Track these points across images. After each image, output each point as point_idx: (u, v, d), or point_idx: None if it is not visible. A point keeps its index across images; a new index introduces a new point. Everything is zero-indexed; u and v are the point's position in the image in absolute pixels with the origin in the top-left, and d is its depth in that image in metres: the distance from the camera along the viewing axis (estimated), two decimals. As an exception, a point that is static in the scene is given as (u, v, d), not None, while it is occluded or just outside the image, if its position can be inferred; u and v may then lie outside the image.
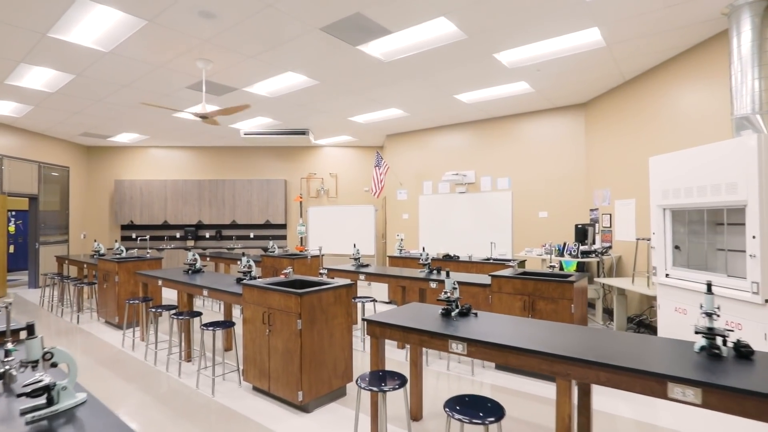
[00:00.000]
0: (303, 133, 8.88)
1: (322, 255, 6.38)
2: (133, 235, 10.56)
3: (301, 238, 10.63)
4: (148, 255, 6.04)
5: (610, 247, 5.84)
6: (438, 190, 8.76)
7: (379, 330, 2.63)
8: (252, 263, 4.16)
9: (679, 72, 4.95)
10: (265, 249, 10.27)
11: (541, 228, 7.37)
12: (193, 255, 4.97)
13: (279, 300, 3.22)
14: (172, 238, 10.68)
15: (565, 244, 5.68)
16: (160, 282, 4.61)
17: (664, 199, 4.10)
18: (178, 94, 6.25)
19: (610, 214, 6.27)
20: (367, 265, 5.61)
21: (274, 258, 6.37)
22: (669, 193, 4.03)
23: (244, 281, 3.64)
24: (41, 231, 9.08)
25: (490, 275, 4.05)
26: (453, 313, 2.73)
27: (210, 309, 6.68)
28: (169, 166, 10.72)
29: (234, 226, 10.76)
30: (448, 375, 3.94)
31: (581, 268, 6.65)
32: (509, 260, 6.12)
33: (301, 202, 10.79)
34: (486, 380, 3.81)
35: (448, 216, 8.52)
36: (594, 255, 5.57)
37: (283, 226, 10.80)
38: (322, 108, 7.17)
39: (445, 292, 2.75)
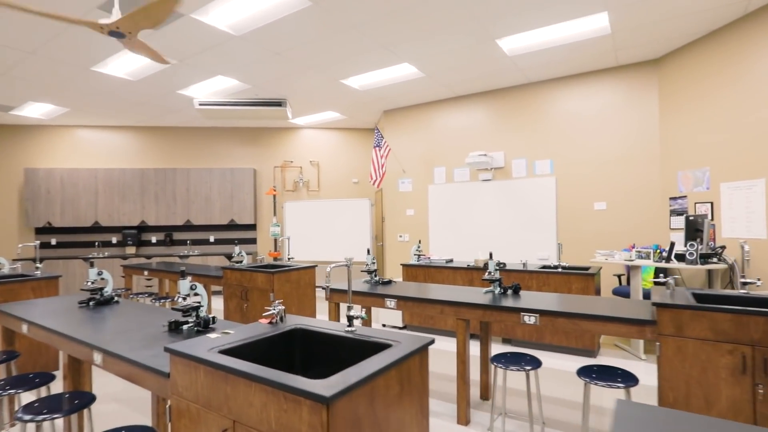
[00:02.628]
0: (279, 104, 6.79)
1: (315, 267, 4.36)
2: (53, 241, 8.09)
3: (276, 241, 8.54)
4: (37, 272, 3.82)
5: (723, 248, 4.15)
6: (454, 179, 6.91)
7: None
8: (200, 291, 2.14)
9: None
10: (230, 257, 8.10)
11: (598, 224, 5.65)
12: (98, 274, 2.85)
13: (265, 405, 1.22)
14: (107, 244, 8.29)
15: (672, 244, 3.94)
16: (24, 327, 2.46)
17: None
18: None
19: (711, 203, 4.60)
20: (388, 282, 3.65)
21: (241, 272, 4.26)
22: None
23: (173, 346, 1.60)
24: None
25: (654, 304, 2.19)
26: None
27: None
28: (100, 151, 8.32)
29: (188, 227, 8.49)
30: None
31: (662, 277, 4.96)
32: (586, 269, 4.33)
33: (274, 197, 8.67)
34: None
35: (468, 211, 6.67)
36: (717, 259, 3.86)
37: (252, 227, 8.64)
38: (308, 61, 5.15)
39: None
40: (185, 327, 2.10)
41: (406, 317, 5.33)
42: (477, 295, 3.01)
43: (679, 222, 5.00)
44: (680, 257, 3.94)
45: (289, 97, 6.72)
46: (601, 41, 4.76)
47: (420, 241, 5.39)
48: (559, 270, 4.22)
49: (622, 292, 4.87)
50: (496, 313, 2.66)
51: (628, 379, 2.13)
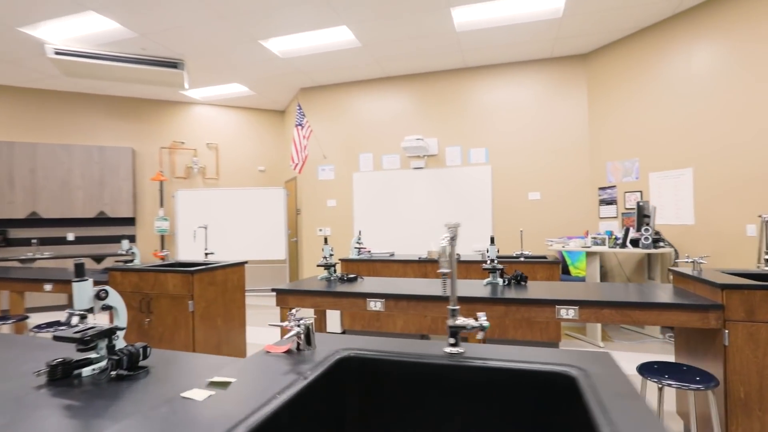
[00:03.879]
0: (174, 65, 5.42)
1: (245, 264, 3.36)
2: None
3: (163, 238, 6.99)
4: None
5: (658, 233, 4.34)
6: (383, 166, 6.36)
7: None
8: (115, 302, 1.17)
9: (782, -9, 3.65)
10: (99, 259, 6.34)
11: (533, 214, 5.65)
12: None
13: None
14: None
15: (627, 230, 3.96)
16: None
17: None
18: None
19: (641, 192, 4.84)
20: (354, 278, 2.90)
21: (141, 274, 3.03)
22: None
23: None
24: None
25: (722, 285, 1.89)
26: None
27: None
28: None
29: (35, 221, 6.40)
30: None
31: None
32: (542, 257, 4.15)
33: (162, 184, 7.07)
34: None
35: (399, 201, 6.18)
36: (663, 243, 3.98)
37: (130, 221, 6.90)
38: (222, 5, 4.06)
39: None
40: (87, 372, 1.11)
41: (345, 321, 4.57)
42: (477, 288, 2.47)
43: (609, 211, 5.20)
44: (632, 242, 3.97)
45: (189, 58, 5.41)
46: (548, 25, 4.66)
47: (360, 233, 4.70)
48: (522, 259, 3.94)
49: (563, 281, 4.86)
50: (523, 308, 2.14)
51: (706, 378, 1.78)
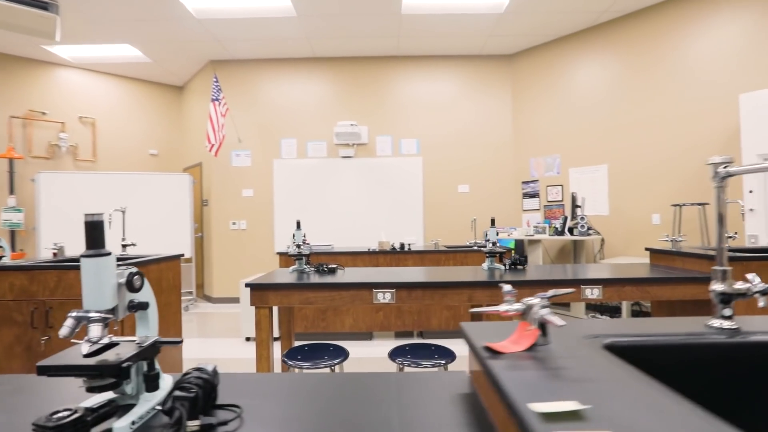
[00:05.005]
0: (44, 6, 4.15)
1: (180, 257, 2.65)
2: None
3: (13, 234, 5.44)
4: None
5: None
6: (307, 153, 5.86)
7: None
8: (148, 296, 0.72)
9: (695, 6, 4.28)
10: None
11: (463, 207, 5.76)
12: None
13: None
14: None
15: (565, 218, 4.22)
16: None
17: (780, 144, 3.13)
18: None
19: (562, 186, 5.26)
20: (333, 269, 2.48)
21: (35, 273, 2.07)
22: (792, 135, 3.08)
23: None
24: None
25: (731, 254, 2.01)
26: None
27: None
28: None
29: None
30: None
31: (520, 250, 5.43)
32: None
33: (11, 163, 5.45)
34: None
35: (326, 191, 5.76)
36: (592, 231, 4.35)
37: (-38, 213, 5.16)
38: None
39: None
40: (122, 428, 0.58)
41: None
42: (481, 273, 2.30)
43: (532, 203, 5.56)
44: (568, 230, 4.26)
45: (65, 1, 4.21)
46: (488, 20, 4.76)
47: (299, 223, 4.18)
48: (475, 248, 3.92)
49: (498, 270, 5.02)
50: (549, 290, 2.01)
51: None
